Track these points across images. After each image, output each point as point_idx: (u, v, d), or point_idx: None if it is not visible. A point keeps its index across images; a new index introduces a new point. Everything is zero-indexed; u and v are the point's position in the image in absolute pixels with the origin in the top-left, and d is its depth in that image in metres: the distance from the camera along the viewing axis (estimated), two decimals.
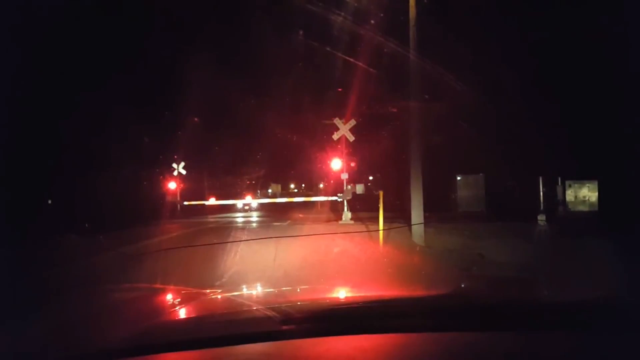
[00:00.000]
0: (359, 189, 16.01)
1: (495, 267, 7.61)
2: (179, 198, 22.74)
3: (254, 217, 21.66)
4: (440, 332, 1.63)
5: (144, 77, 18.67)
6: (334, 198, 17.26)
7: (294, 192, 55.32)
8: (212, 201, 24.13)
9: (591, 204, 15.83)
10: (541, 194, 11.65)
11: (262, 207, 26.91)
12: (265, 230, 13.72)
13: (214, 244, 9.52)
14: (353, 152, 17.42)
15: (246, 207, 27.08)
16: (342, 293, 2.54)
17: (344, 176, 16.18)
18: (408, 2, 10.68)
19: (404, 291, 2.59)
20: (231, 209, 25.84)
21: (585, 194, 15.92)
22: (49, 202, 15.28)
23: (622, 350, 1.50)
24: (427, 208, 10.95)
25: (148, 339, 1.62)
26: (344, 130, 15.80)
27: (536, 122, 15.35)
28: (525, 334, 1.62)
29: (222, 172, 30.27)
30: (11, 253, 8.26)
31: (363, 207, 17.34)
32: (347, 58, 13.18)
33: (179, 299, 2.45)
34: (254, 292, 3.08)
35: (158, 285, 4.18)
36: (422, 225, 10.53)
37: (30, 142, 13.38)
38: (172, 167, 22.70)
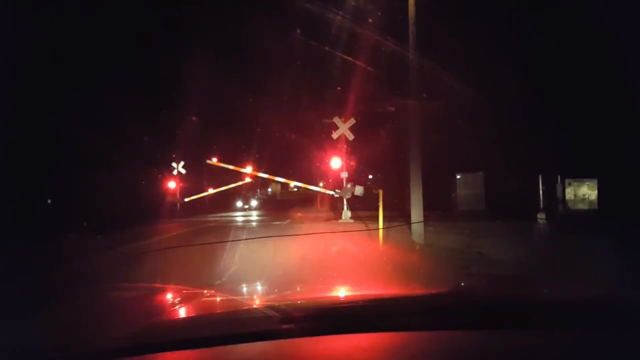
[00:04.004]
0: (358, 190, 15.90)
1: (494, 266, 7.62)
2: (178, 197, 22.79)
3: (254, 216, 21.67)
4: (440, 330, 1.63)
5: (143, 76, 18.68)
6: (331, 192, 17.40)
7: (294, 190, 55.30)
8: (210, 191, 24.52)
9: (591, 202, 15.82)
10: (541, 192, 11.66)
11: (261, 206, 27.00)
12: (265, 229, 13.72)
13: (214, 243, 9.52)
14: (352, 151, 17.43)
15: (245, 207, 27.17)
16: (341, 292, 2.54)
17: (344, 175, 16.18)
18: (407, 0, 10.67)
19: (403, 290, 2.59)
20: (231, 208, 25.90)
21: (585, 192, 15.91)
22: (49, 202, 15.28)
23: (623, 349, 1.50)
24: (427, 207, 10.95)
25: (147, 338, 1.62)
26: (343, 129, 15.80)
27: (536, 121, 15.35)
28: (524, 332, 1.62)
29: (222, 171, 30.22)
30: (11, 253, 8.26)
31: (362, 206, 17.34)
32: (347, 57, 13.17)
33: (178, 298, 2.44)
34: (253, 291, 3.08)
35: (157, 285, 4.18)
36: (422, 223, 10.53)
37: (29, 142, 13.36)
38: (172, 166, 22.73)
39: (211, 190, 25.06)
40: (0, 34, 11.09)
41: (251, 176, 19.83)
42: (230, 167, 20.13)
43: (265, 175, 19.62)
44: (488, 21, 15.38)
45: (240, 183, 26.96)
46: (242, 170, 20.12)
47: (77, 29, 14.66)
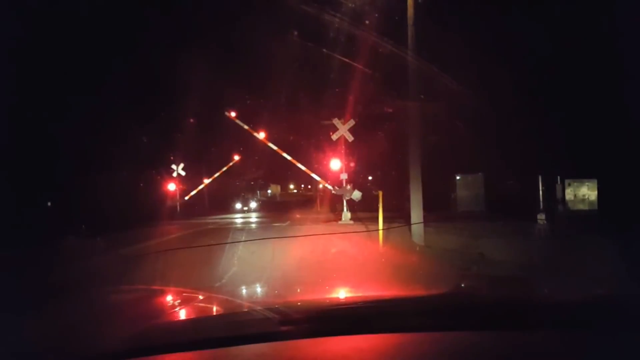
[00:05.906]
0: (356, 195, 15.85)
1: (495, 267, 7.61)
2: (178, 198, 22.85)
3: (253, 217, 21.66)
4: (440, 331, 1.62)
5: (142, 79, 18.66)
6: (330, 187, 17.47)
7: (294, 192, 55.52)
8: (206, 182, 25.43)
9: (591, 203, 15.81)
10: (540, 192, 11.64)
11: (261, 207, 27.07)
12: (265, 231, 13.72)
13: (213, 245, 9.51)
14: (352, 152, 17.44)
15: (245, 208, 27.20)
16: (341, 293, 2.54)
17: (343, 176, 16.18)
18: (406, 1, 10.67)
19: (403, 291, 2.58)
20: (230, 209, 25.93)
21: (585, 192, 15.91)
22: (49, 204, 15.28)
23: (623, 349, 1.49)
24: (427, 208, 10.94)
25: (147, 340, 1.62)
26: (342, 130, 15.80)
27: (535, 121, 15.36)
28: (525, 333, 1.62)
29: (222, 173, 30.26)
30: (11, 255, 8.25)
31: (362, 207, 17.34)
32: (346, 59, 13.18)
33: (178, 300, 2.44)
34: (252, 293, 3.07)
35: (157, 287, 4.17)
36: (422, 224, 10.51)
37: (29, 145, 13.37)
38: (171, 169, 22.75)
39: (206, 181, 25.47)
40: (0, 36, 11.10)
41: (263, 141, 19.62)
42: (245, 126, 20.00)
43: (275, 147, 19.45)
44: (487, 22, 15.40)
45: (231, 164, 27.08)
46: (256, 134, 19.99)
47: (77, 30, 14.68)
